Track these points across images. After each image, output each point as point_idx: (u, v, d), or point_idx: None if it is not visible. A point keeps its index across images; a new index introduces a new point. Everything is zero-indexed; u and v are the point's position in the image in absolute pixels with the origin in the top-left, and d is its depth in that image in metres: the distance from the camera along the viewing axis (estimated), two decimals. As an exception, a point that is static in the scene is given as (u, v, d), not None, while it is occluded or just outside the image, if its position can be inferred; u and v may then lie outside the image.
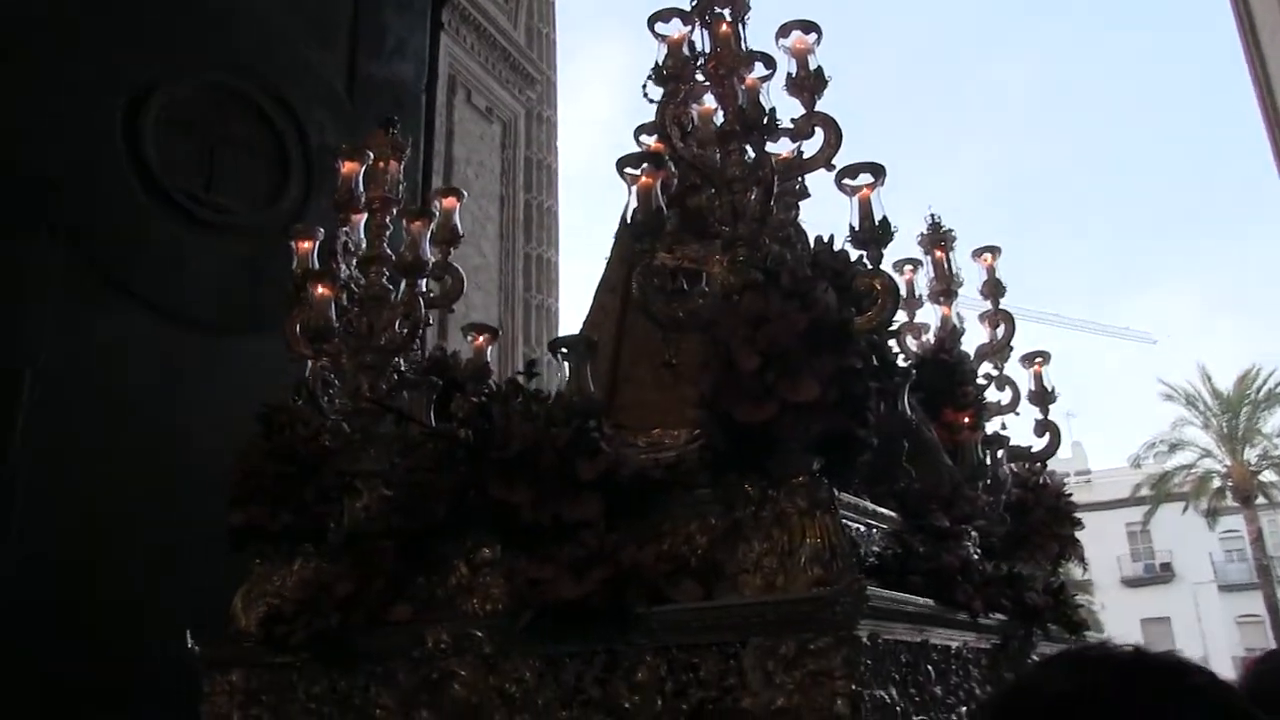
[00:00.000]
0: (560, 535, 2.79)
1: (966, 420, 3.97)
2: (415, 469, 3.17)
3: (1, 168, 5.34)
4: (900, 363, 3.42)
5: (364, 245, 3.76)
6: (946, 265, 4.64)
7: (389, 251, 3.74)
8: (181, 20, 6.29)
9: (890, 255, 4.59)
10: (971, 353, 4.52)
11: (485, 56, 9.13)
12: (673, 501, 2.87)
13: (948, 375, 4.13)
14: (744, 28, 3.35)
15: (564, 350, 3.13)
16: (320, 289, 3.53)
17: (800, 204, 3.45)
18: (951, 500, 3.48)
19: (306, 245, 3.72)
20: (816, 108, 3.21)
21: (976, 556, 3.53)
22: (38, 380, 5.18)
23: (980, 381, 4.50)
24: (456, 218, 3.93)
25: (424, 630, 2.93)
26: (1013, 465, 4.44)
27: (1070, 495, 4.48)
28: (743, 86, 3.04)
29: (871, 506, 3.10)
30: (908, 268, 4.64)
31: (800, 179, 3.33)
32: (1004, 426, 4.54)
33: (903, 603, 2.62)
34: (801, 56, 3.23)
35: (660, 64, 3.19)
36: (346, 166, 3.75)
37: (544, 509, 2.88)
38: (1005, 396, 4.56)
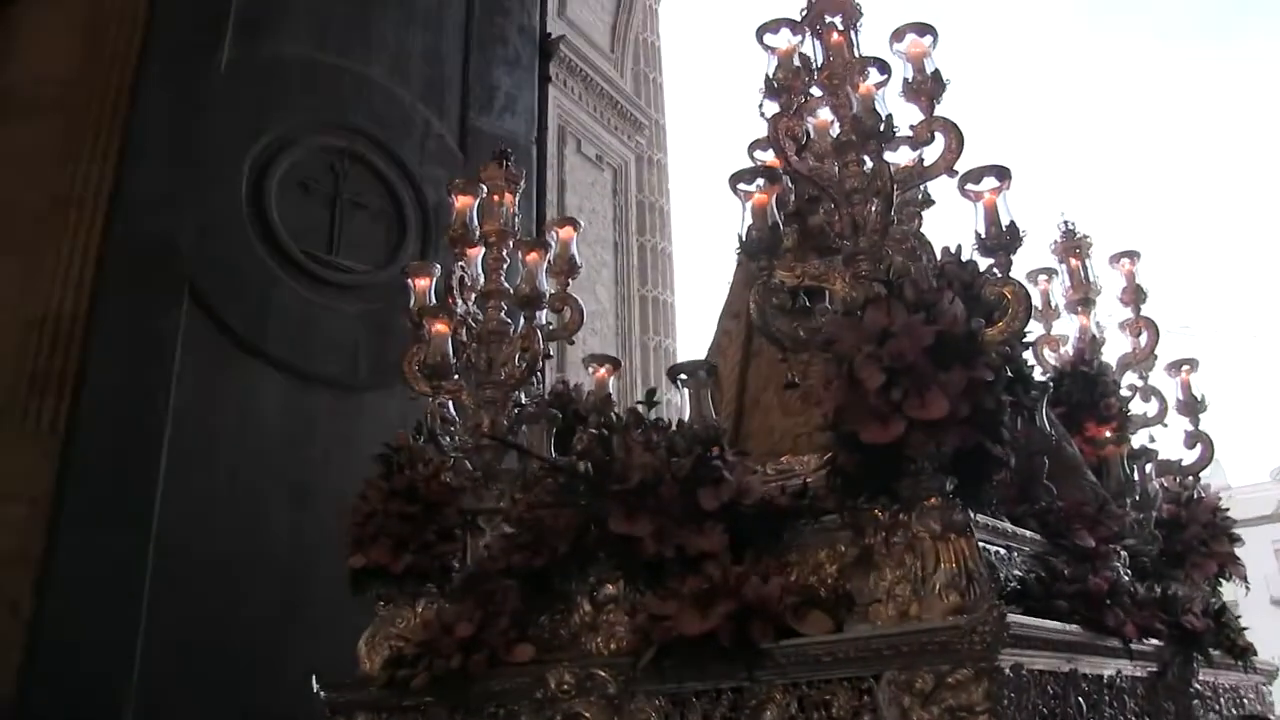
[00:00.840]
0: (685, 568, 2.70)
1: (1110, 434, 3.75)
2: (535, 504, 3.11)
3: (136, 236, 5.53)
4: (1038, 376, 3.23)
5: (481, 280, 3.76)
6: (1083, 272, 4.43)
7: (506, 285, 3.73)
8: (298, 87, 6.51)
9: (1026, 264, 4.50)
10: (1114, 364, 4.31)
11: (593, 105, 9.32)
12: (800, 530, 2.75)
13: (1089, 387, 3.92)
14: (856, 35, 3.25)
15: (683, 377, 3.04)
16: (437, 326, 3.51)
17: (924, 214, 3.31)
18: (1097, 519, 3.27)
19: (423, 283, 3.72)
20: (936, 112, 3.07)
21: (1127, 578, 3.33)
22: (176, 442, 5.34)
23: (1124, 393, 4.28)
24: (574, 248, 3.88)
25: (546, 671, 2.85)
26: (1163, 480, 4.19)
27: (1227, 510, 4.19)
28: (857, 95, 2.92)
29: (1011, 528, 2.94)
30: (1042, 277, 4.44)
31: (923, 187, 3.19)
32: (1152, 439, 4.30)
33: (1047, 630, 2.45)
34: (917, 61, 3.10)
35: (770, 76, 3.10)
36: (460, 200, 3.75)
37: (666, 541, 2.79)
38: (1152, 408, 4.32)
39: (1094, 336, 4.25)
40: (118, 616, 4.90)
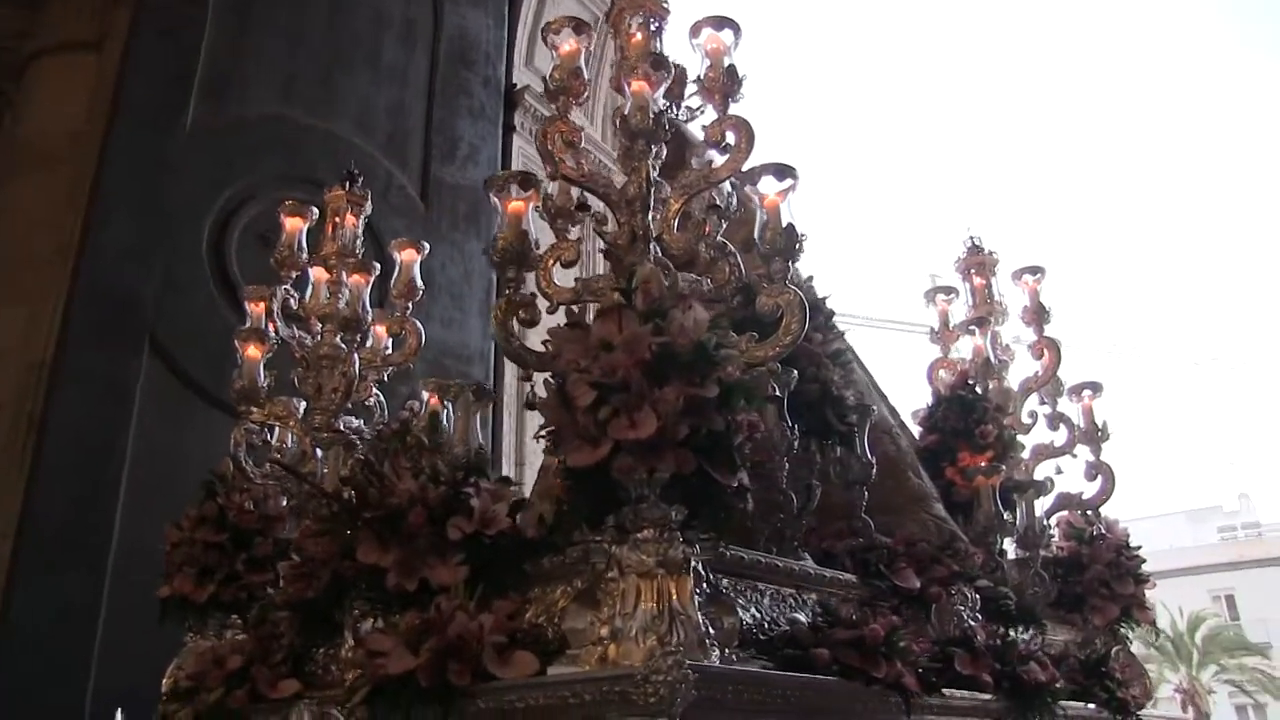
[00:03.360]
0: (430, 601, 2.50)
1: (983, 464, 3.45)
2: (307, 533, 2.93)
3: (101, 288, 5.68)
4: (853, 400, 2.95)
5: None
6: (986, 292, 4.13)
7: (342, 309, 3.57)
8: (262, 143, 6.59)
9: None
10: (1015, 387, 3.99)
11: (560, 152, 9.14)
12: (541, 564, 2.53)
13: (965, 413, 3.61)
14: (659, 36, 3.03)
15: (450, 399, 2.85)
16: (249, 350, 3.37)
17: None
18: (934, 557, 2.98)
19: (258, 308, 3.58)
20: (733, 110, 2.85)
21: (971, 623, 3.03)
22: (133, 486, 5.40)
23: (1025, 419, 3.96)
24: (416, 271, 3.72)
25: (290, 708, 2.67)
26: (1067, 516, 3.87)
27: (1136, 549, 3.83)
28: (629, 93, 2.71)
29: (801, 566, 2.68)
30: (941, 296, 4.15)
31: (727, 190, 2.96)
32: (1058, 470, 3.97)
33: (770, 681, 2.19)
34: (715, 57, 2.88)
35: (548, 78, 2.90)
36: (290, 223, 3.61)
37: (411, 573, 2.59)
38: (1060, 437, 4.00)
39: (987, 359, 3.95)
40: (72, 657, 4.92)
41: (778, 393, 2.74)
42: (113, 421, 5.48)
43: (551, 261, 2.86)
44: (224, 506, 3.30)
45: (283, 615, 2.94)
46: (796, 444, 2.76)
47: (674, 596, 2.14)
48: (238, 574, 3.28)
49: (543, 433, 2.34)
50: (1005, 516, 3.70)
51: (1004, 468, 3.43)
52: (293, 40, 6.84)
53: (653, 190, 2.81)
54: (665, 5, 3.06)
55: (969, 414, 3.60)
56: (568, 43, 2.89)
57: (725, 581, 2.45)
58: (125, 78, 6.08)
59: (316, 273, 3.63)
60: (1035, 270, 4.10)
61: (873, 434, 3.29)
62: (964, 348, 4.07)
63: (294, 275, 3.63)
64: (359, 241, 3.66)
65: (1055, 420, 3.98)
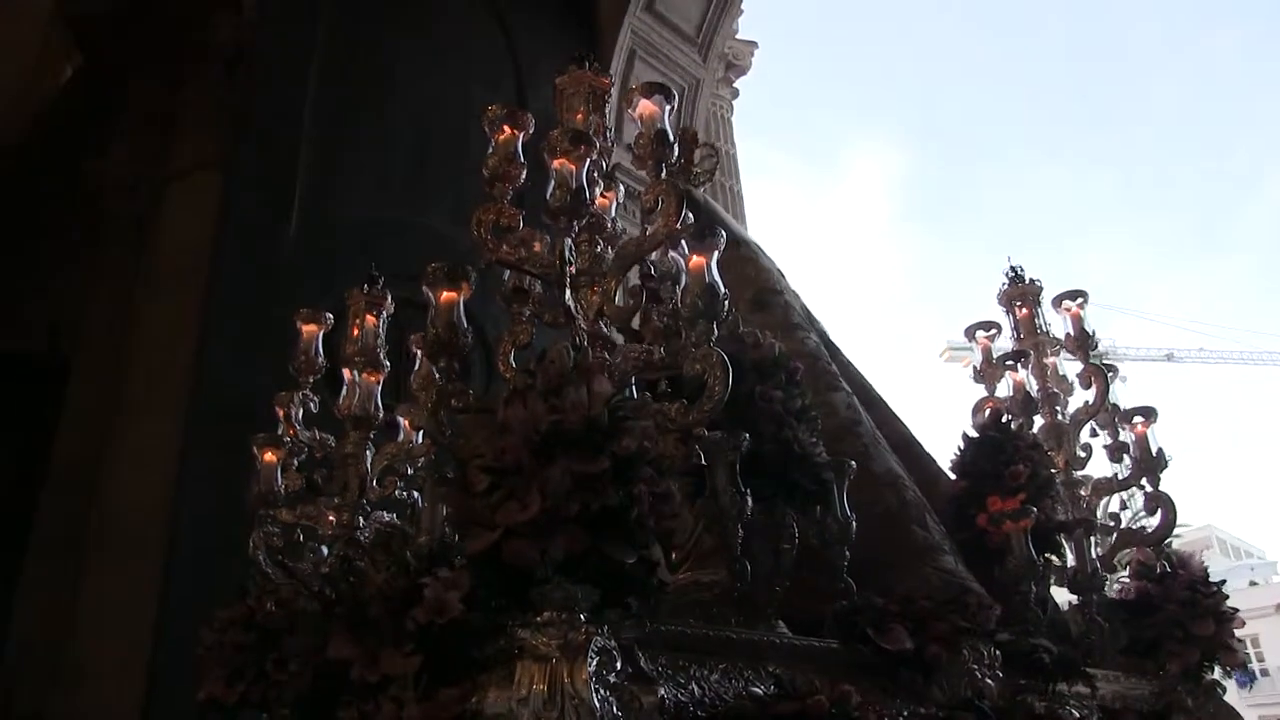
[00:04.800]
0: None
1: (1009, 508, 3.23)
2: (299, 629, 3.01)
3: (216, 395, 5.89)
4: (822, 457, 2.81)
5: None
6: (1033, 323, 3.90)
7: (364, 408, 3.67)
8: (361, 244, 6.66)
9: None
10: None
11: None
12: (485, 648, 2.51)
13: (993, 455, 3.40)
14: (602, 114, 3.05)
15: (417, 489, 2.88)
16: (266, 455, 3.50)
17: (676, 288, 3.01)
18: (934, 614, 2.80)
19: (280, 413, 3.73)
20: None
21: (990, 682, 2.84)
22: None
23: (1080, 454, 3.71)
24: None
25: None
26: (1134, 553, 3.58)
27: (1216, 585, 3.50)
28: (553, 168, 2.73)
29: (757, 637, 2.57)
30: (981, 333, 3.94)
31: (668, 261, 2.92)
32: (1124, 505, 3.69)
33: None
34: (647, 124, 2.86)
35: (484, 165, 2.94)
36: (306, 330, 3.74)
37: (374, 665, 2.62)
38: (1123, 469, 3.71)
39: (1027, 395, 3.71)
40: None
41: (730, 456, 2.66)
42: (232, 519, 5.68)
43: (509, 346, 2.87)
44: (252, 608, 3.40)
45: (283, 713, 3.00)
46: (752, 509, 2.66)
47: (567, 680, 2.09)
48: (266, 674, 3.35)
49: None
50: (1054, 561, 3.49)
51: (1034, 510, 3.20)
52: (384, 139, 7.09)
53: (594, 264, 2.81)
54: (607, 79, 3.08)
55: (998, 455, 3.39)
56: (505, 128, 2.92)
57: (662, 659, 2.37)
58: (231, 194, 6.45)
59: (347, 374, 3.73)
60: (1076, 295, 3.85)
61: (871, 488, 3.16)
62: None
63: (311, 379, 3.75)
64: (380, 340, 3.75)
65: (1115, 451, 3.71)
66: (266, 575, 3.50)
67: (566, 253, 2.63)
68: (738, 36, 10.08)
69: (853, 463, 2.88)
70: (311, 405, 3.70)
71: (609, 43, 6.87)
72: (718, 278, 2.59)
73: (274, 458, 3.50)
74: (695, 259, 2.60)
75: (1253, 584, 30.02)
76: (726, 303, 2.58)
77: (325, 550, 3.62)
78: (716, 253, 2.62)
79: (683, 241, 2.74)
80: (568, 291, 2.63)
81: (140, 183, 7.19)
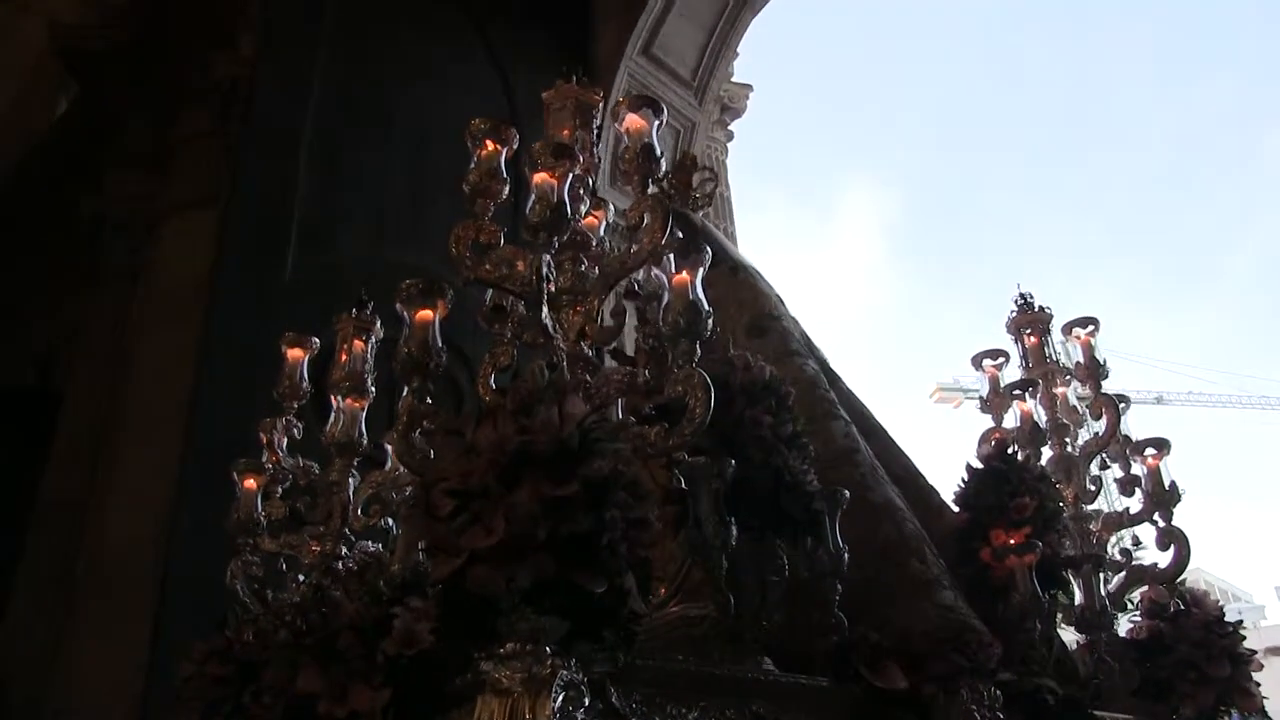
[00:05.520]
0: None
1: (1015, 541, 3.10)
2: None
3: (210, 432, 5.76)
4: (813, 485, 2.69)
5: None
6: (1042, 351, 3.78)
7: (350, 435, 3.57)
8: (357, 285, 6.63)
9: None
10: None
11: (650, 269, 9.11)
12: (456, 682, 2.39)
13: (998, 487, 3.26)
14: (592, 131, 2.96)
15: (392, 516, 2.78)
16: (247, 481, 3.41)
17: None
18: (930, 653, 2.67)
19: (264, 440, 3.64)
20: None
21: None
22: None
23: (1089, 487, 3.57)
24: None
25: None
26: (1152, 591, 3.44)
27: (1234, 625, 3.35)
28: (535, 182, 2.64)
29: (742, 674, 2.44)
30: (988, 361, 3.81)
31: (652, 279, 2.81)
32: (1136, 541, 3.55)
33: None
34: (634, 138, 2.77)
35: (465, 180, 2.85)
36: (291, 354, 3.67)
37: (343, 699, 2.51)
38: (1135, 503, 3.57)
39: (1035, 425, 3.57)
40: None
41: (714, 483, 2.54)
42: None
43: (489, 368, 2.77)
44: (231, 640, 3.30)
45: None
46: (740, 538, 2.55)
47: (529, 716, 1.97)
48: (244, 707, 3.25)
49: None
50: (1062, 598, 3.35)
51: (1040, 544, 3.06)
52: (380, 180, 7.04)
53: (577, 283, 2.72)
54: (596, 94, 3.00)
55: (1003, 487, 3.25)
56: (488, 143, 2.84)
57: (636, 695, 2.25)
58: (227, 230, 6.42)
59: (334, 400, 3.65)
60: (1087, 322, 3.72)
61: (869, 519, 3.04)
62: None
63: (296, 405, 3.67)
64: (369, 366, 3.66)
65: (1127, 485, 3.57)
66: (246, 605, 3.40)
67: (544, 269, 2.53)
68: (733, 79, 10.05)
69: (846, 492, 2.76)
70: (295, 431, 3.60)
71: (605, 88, 6.84)
72: (702, 296, 2.49)
73: (254, 484, 3.42)
74: (679, 276, 2.50)
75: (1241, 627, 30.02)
76: (711, 321, 2.47)
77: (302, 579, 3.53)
78: (702, 270, 2.52)
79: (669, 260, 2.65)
80: (545, 309, 2.52)
81: (136, 217, 7.19)
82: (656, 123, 2.78)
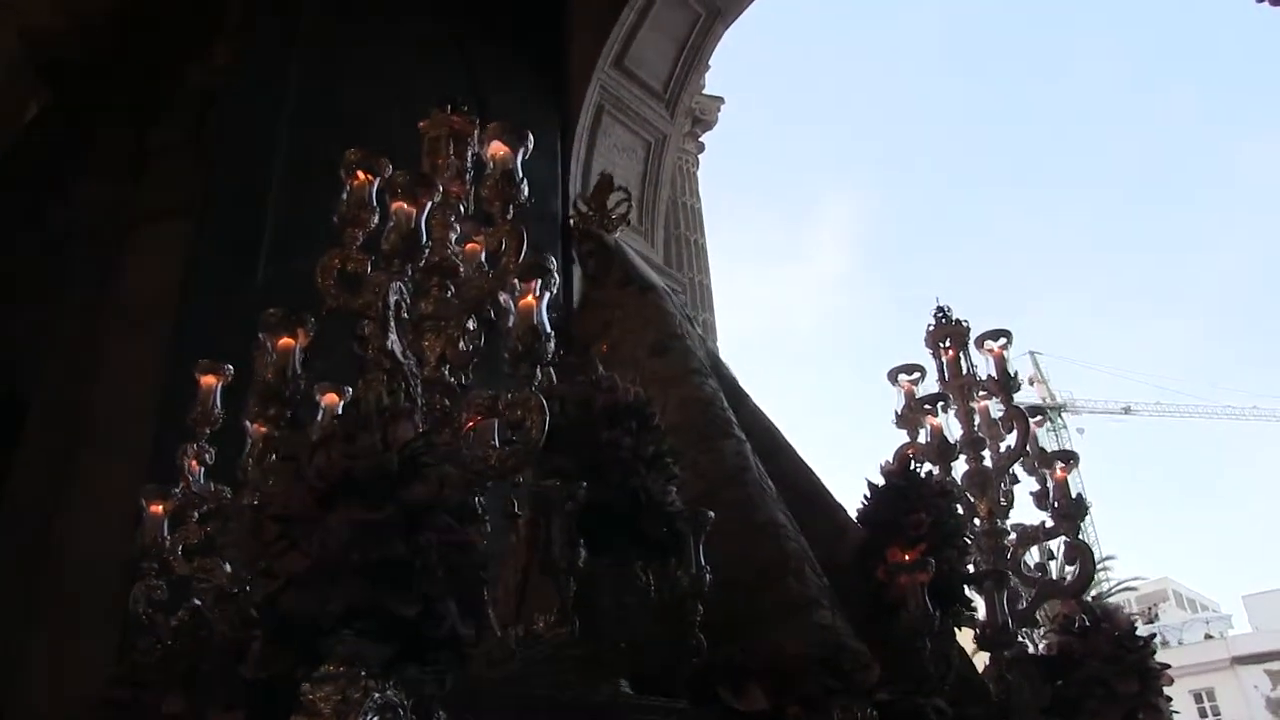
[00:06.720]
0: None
1: (908, 559, 3.07)
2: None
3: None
4: (675, 506, 2.68)
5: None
6: (958, 365, 3.75)
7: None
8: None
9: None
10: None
11: (620, 279, 8.98)
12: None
13: (895, 504, 3.24)
14: (461, 156, 2.99)
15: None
16: (154, 507, 3.45)
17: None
18: (797, 672, 2.65)
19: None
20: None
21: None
22: None
23: (1001, 501, 3.54)
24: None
25: None
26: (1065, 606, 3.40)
27: (1144, 639, 3.29)
28: (392, 209, 2.67)
29: (594, 694, 2.44)
30: (904, 376, 3.78)
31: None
32: (1052, 556, 3.51)
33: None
34: (499, 164, 2.79)
35: (336, 212, 2.89)
36: (204, 381, 3.71)
37: (206, 724, 2.54)
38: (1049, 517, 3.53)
39: (944, 440, 3.54)
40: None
41: (567, 505, 2.54)
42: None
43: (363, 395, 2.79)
44: (135, 664, 3.34)
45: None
46: (600, 561, 2.55)
47: (331, 738, 1.99)
48: (152, 733, 3.29)
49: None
50: (966, 613, 3.32)
51: (932, 562, 3.03)
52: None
53: (440, 308, 2.75)
54: (472, 124, 3.03)
55: (900, 503, 3.22)
56: (359, 174, 2.87)
57: (468, 718, 2.25)
58: (199, 243, 6.45)
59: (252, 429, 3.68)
60: (999, 335, 3.69)
61: (748, 539, 3.03)
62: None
63: (208, 432, 3.69)
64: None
65: (1041, 499, 3.53)
66: (146, 629, 3.43)
67: (397, 296, 2.55)
68: (705, 92, 10.05)
69: (710, 513, 2.74)
70: (208, 457, 3.63)
71: (577, 101, 6.85)
72: (545, 319, 2.49)
73: (160, 510, 3.45)
74: (524, 300, 2.52)
75: (1208, 637, 30.22)
76: (552, 345, 2.48)
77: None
78: (549, 294, 2.53)
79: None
80: (392, 335, 2.55)
81: (107, 225, 7.24)
82: (522, 150, 2.80)
